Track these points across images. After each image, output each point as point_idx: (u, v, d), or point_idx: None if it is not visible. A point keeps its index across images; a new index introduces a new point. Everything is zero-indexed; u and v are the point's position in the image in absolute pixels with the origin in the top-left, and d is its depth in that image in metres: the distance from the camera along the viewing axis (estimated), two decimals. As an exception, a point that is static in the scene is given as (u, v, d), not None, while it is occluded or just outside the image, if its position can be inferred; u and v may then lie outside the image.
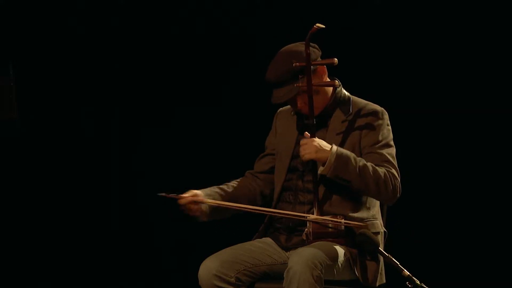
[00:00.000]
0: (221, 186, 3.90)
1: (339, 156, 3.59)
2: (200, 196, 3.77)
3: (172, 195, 3.73)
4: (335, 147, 3.60)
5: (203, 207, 3.78)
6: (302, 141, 3.65)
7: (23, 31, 5.66)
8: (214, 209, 3.80)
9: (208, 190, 3.84)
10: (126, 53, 5.83)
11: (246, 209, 3.77)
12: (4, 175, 5.66)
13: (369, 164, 3.62)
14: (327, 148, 3.60)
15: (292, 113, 3.86)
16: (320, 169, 3.62)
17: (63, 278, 5.74)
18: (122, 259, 5.81)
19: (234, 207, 3.77)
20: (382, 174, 3.62)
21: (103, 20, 5.79)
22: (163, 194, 3.72)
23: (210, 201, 3.77)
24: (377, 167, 3.63)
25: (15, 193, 5.70)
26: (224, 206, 3.78)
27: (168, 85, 5.81)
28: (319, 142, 3.62)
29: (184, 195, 3.76)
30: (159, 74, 5.82)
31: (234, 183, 3.94)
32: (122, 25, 5.81)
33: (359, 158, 3.63)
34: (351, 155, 3.62)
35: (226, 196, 3.85)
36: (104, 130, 5.87)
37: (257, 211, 3.76)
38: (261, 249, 3.76)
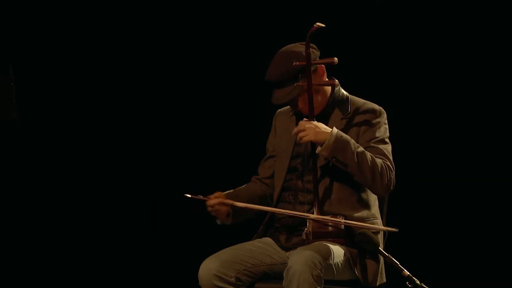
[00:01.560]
0: (236, 189, 3.90)
1: (338, 138, 3.60)
2: (227, 197, 3.77)
3: (200, 197, 3.72)
4: (335, 129, 3.61)
5: (230, 209, 3.78)
6: (300, 124, 3.65)
7: (23, 31, 5.66)
8: (238, 211, 3.80)
9: (230, 193, 3.84)
10: (126, 53, 5.83)
11: (269, 211, 3.77)
12: (4, 175, 5.66)
13: (367, 152, 3.63)
14: (327, 131, 3.61)
15: (291, 113, 3.86)
16: (318, 149, 3.62)
17: (63, 278, 5.74)
18: (122, 259, 5.81)
19: (260, 209, 3.77)
20: (379, 164, 3.63)
21: (103, 20, 5.79)
22: (190, 195, 3.71)
23: (238, 203, 3.76)
24: (375, 157, 3.64)
25: (15, 193, 5.70)
26: (252, 208, 3.77)
27: (167, 84, 5.81)
28: (317, 124, 3.63)
29: (211, 196, 3.76)
30: (159, 74, 5.82)
31: (245, 188, 3.94)
32: (122, 25, 5.81)
33: (358, 145, 3.64)
34: (351, 140, 3.63)
35: (245, 199, 3.85)
36: (104, 130, 5.87)
37: (279, 213, 3.76)
38: (261, 249, 3.76)
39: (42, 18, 5.71)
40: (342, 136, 3.62)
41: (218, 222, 3.84)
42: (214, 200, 3.75)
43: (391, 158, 3.71)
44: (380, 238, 3.76)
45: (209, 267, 3.65)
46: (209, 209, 3.78)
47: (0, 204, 5.64)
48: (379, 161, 3.65)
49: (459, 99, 5.20)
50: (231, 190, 3.89)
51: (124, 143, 5.87)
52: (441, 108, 5.23)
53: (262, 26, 5.55)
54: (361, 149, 3.63)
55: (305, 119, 3.68)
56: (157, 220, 5.80)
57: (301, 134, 3.63)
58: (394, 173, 3.69)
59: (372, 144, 3.70)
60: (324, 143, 3.60)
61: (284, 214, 3.76)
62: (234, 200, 3.79)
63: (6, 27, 5.59)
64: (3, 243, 5.65)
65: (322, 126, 3.64)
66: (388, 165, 3.67)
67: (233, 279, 3.65)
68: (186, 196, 3.71)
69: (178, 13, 5.77)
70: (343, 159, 3.60)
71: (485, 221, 5.15)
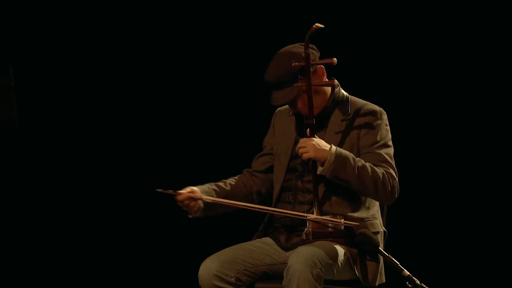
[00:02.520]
0: (217, 183, 3.91)
1: (338, 156, 3.59)
2: (197, 192, 3.78)
3: (170, 191, 3.74)
4: (334, 147, 3.61)
5: (199, 203, 3.79)
6: (301, 141, 3.65)
7: (23, 31, 5.66)
8: (209, 205, 3.81)
9: (205, 186, 3.85)
10: (125, 52, 5.83)
11: (241, 207, 3.77)
12: (4, 175, 5.66)
13: (367, 164, 3.62)
14: (326, 148, 3.61)
15: (291, 113, 3.86)
16: (319, 170, 3.62)
17: (63, 278, 5.74)
18: (122, 259, 5.81)
19: (230, 204, 3.77)
20: (381, 175, 3.62)
21: (102, 20, 5.79)
22: (161, 190, 3.73)
23: (207, 197, 3.78)
24: (375, 168, 3.63)
25: (15, 193, 5.70)
26: (221, 203, 3.78)
27: (166, 83, 5.81)
28: (318, 141, 3.62)
29: (181, 191, 3.77)
30: (158, 73, 5.82)
31: (231, 180, 3.95)
32: (122, 25, 5.81)
33: (357, 159, 3.63)
34: (350, 155, 3.62)
35: (222, 193, 3.86)
36: (104, 130, 5.87)
37: (253, 209, 3.76)
38: (261, 249, 3.76)
39: (42, 18, 5.71)
40: (341, 153, 3.61)
41: (189, 215, 3.84)
42: (183, 195, 3.76)
43: (393, 163, 3.70)
44: (380, 238, 3.75)
45: (209, 267, 3.64)
46: (179, 203, 3.78)
47: (0, 203, 5.64)
48: (380, 171, 3.63)
49: (459, 99, 5.20)
50: (211, 184, 3.89)
51: (123, 142, 5.87)
52: (441, 108, 5.23)
53: (260, 26, 5.55)
54: (361, 163, 3.62)
55: (308, 131, 3.67)
56: (157, 220, 5.80)
57: (301, 151, 3.63)
58: (397, 179, 3.68)
59: (374, 150, 3.69)
60: (324, 162, 3.60)
61: (257, 210, 3.75)
62: (214, 194, 3.81)
63: (6, 27, 5.59)
64: (3, 242, 5.65)
65: (322, 143, 3.63)
66: (390, 173, 3.65)
67: (233, 279, 3.65)
68: (157, 190, 3.73)
69: (176, 13, 5.78)
70: (345, 177, 3.60)
71: (485, 221, 5.15)
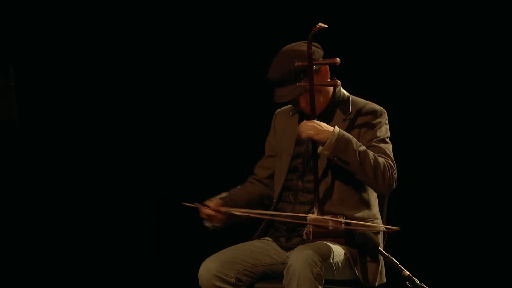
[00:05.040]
0: (231, 193, 3.88)
1: (340, 137, 3.59)
2: (222, 205, 3.76)
3: (196, 204, 3.73)
4: (337, 128, 3.61)
5: (223, 216, 3.77)
6: (302, 123, 3.64)
7: (23, 31, 5.66)
8: (229, 217, 3.79)
9: (226, 198, 3.83)
10: (125, 52, 5.83)
11: (268, 218, 3.75)
12: (4, 175, 5.65)
13: (370, 151, 3.63)
14: (329, 129, 3.60)
15: (291, 113, 3.86)
16: (320, 148, 3.62)
17: (63, 278, 5.74)
18: (122, 259, 5.81)
19: (259, 217, 3.75)
20: (381, 163, 3.63)
21: (102, 20, 5.80)
22: (187, 203, 3.71)
23: (237, 211, 3.75)
24: (377, 156, 3.64)
25: (15, 193, 5.70)
26: (251, 216, 3.75)
27: (166, 83, 5.81)
28: (319, 123, 3.62)
29: (207, 204, 3.75)
30: (158, 73, 5.82)
31: (241, 189, 3.94)
32: (122, 25, 5.81)
33: (360, 143, 3.63)
34: (353, 139, 3.62)
35: (242, 203, 3.84)
36: (104, 129, 5.87)
37: (278, 219, 3.74)
38: (261, 249, 3.76)
39: (42, 18, 5.71)
40: (344, 135, 3.61)
41: (209, 225, 3.82)
42: (208, 209, 3.74)
43: (392, 157, 3.71)
44: (380, 238, 3.75)
45: (209, 267, 3.64)
46: (202, 215, 3.77)
47: (0, 203, 5.64)
48: (381, 159, 3.64)
49: (459, 98, 5.20)
50: (225, 194, 3.87)
51: (123, 142, 5.87)
52: (442, 108, 5.23)
53: (260, 26, 5.55)
54: (363, 147, 3.63)
55: (306, 119, 3.67)
56: (157, 220, 5.80)
57: (302, 130, 3.62)
58: (396, 171, 3.69)
59: (373, 144, 3.70)
60: (325, 142, 3.59)
61: (283, 220, 3.74)
62: (230, 204, 3.78)
63: (6, 27, 5.59)
64: (3, 242, 5.65)
65: (324, 125, 3.63)
66: (390, 164, 3.66)
67: (233, 279, 3.65)
68: (184, 204, 3.71)
69: (175, 13, 5.79)
70: (345, 158, 3.60)
71: (484, 221, 5.15)
